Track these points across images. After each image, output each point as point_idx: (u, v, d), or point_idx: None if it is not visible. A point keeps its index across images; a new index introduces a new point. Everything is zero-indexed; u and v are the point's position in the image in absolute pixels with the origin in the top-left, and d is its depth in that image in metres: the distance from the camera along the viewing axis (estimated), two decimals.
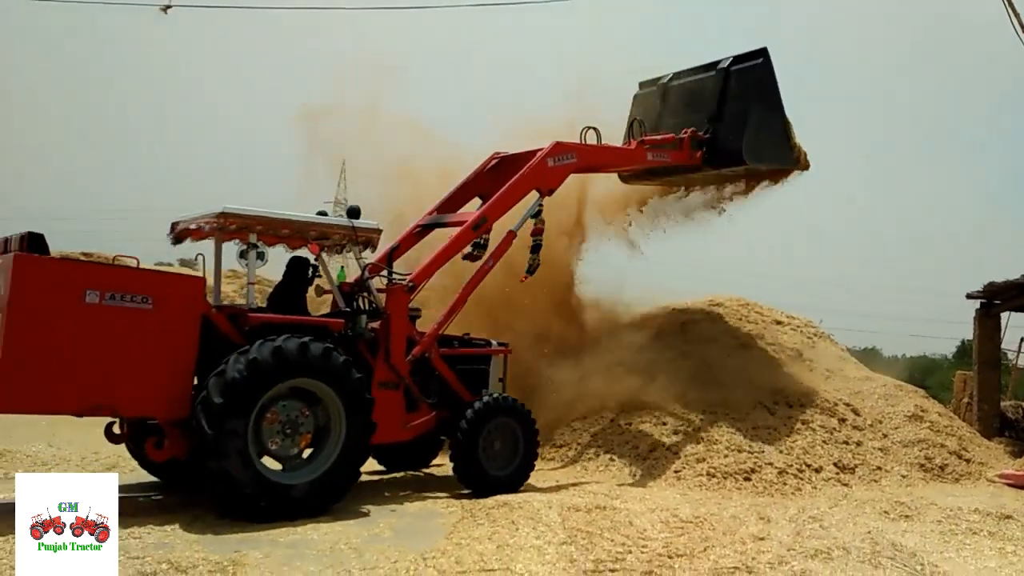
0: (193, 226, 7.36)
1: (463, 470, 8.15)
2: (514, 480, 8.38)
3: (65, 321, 6.13)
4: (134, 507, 6.91)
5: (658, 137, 10.86)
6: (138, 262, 6.75)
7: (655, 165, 10.82)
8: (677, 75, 11.77)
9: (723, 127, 10.78)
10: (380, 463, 9.27)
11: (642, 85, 12.23)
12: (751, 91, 10.81)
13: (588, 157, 9.84)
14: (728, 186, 12.08)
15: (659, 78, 11.99)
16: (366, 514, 7.02)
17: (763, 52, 10.93)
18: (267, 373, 6.63)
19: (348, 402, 7.05)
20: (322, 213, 7.94)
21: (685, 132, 10.79)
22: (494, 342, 9.28)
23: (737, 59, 11.07)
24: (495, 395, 8.60)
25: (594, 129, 10.05)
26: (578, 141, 9.91)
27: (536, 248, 9.22)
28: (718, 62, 11.20)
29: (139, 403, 6.59)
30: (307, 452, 7.14)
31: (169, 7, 12.36)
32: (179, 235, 7.66)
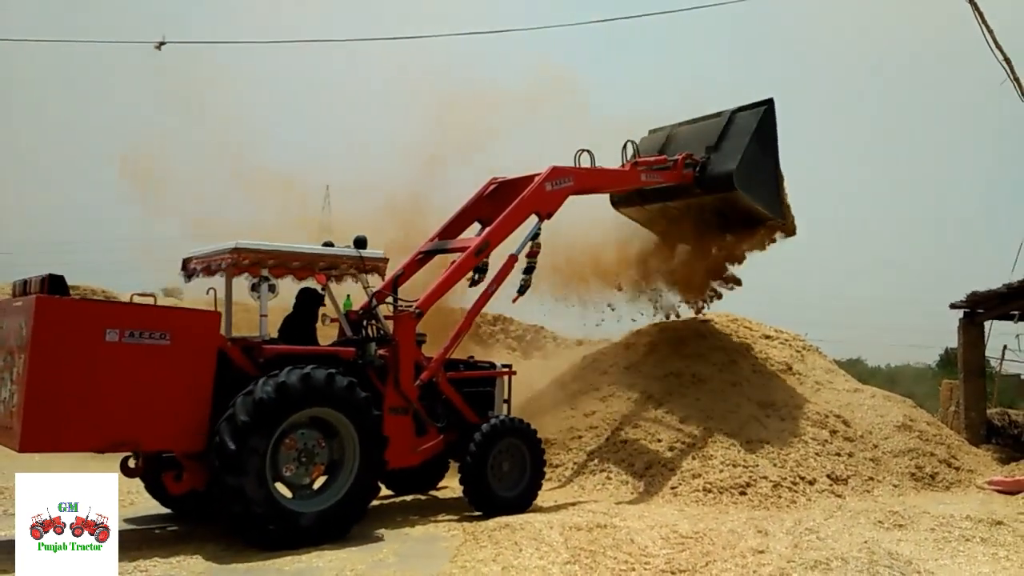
0: (206, 262, 7.52)
1: (473, 492, 8.27)
2: (522, 500, 8.50)
3: (86, 360, 6.25)
4: (138, 539, 6.97)
5: (651, 159, 11.14)
6: (155, 299, 6.90)
7: (648, 185, 11.01)
8: (684, 122, 12.19)
9: (718, 155, 11.11)
10: (388, 487, 9.35)
11: (651, 132, 12.58)
12: (751, 130, 11.18)
13: (584, 180, 10.03)
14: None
15: (667, 126, 12.37)
16: (369, 540, 7.07)
17: (768, 102, 11.40)
18: (294, 398, 6.80)
19: (364, 437, 7.19)
20: (328, 243, 8.05)
21: (679, 155, 11.09)
22: (498, 364, 9.45)
23: (742, 107, 11.52)
24: (502, 417, 8.75)
25: (588, 151, 10.25)
26: (573, 165, 10.10)
27: (530, 270, 9.37)
28: (725, 110, 11.64)
29: (159, 437, 6.71)
30: (318, 483, 7.23)
31: (163, 43, 12.51)
32: (192, 270, 7.80)
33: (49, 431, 6.15)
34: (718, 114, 11.68)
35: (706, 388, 11.49)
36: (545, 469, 9.17)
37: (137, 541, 6.86)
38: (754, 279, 13.33)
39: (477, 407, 8.79)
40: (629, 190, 11.48)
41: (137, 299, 6.88)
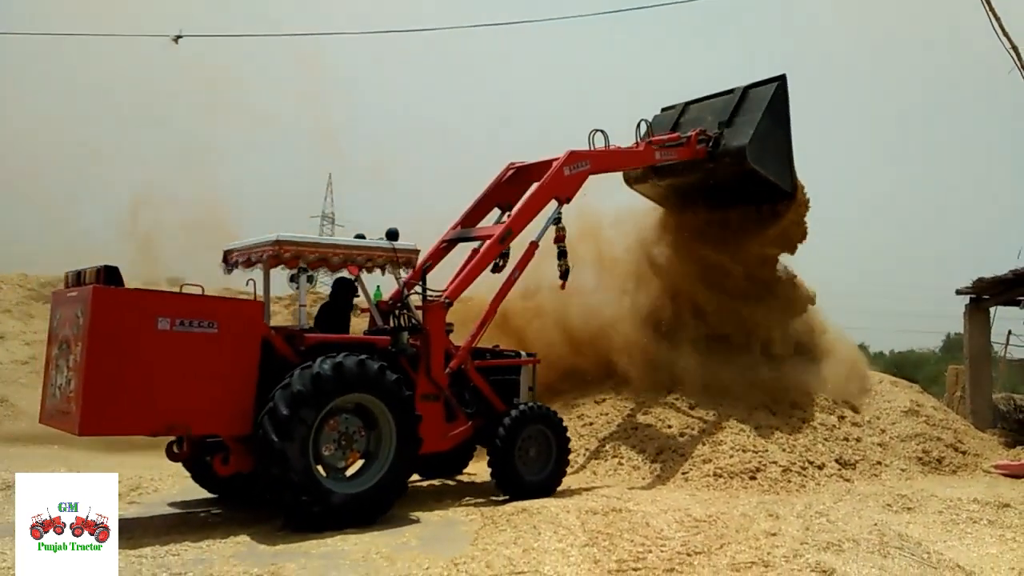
0: (247, 254, 7.76)
1: (501, 476, 8.53)
2: (549, 484, 8.76)
3: (139, 347, 6.50)
4: (167, 524, 7.18)
5: (665, 136, 11.23)
6: (203, 289, 7.10)
7: (663, 162, 11.09)
8: (697, 99, 12.25)
9: (731, 131, 11.22)
10: (416, 472, 9.48)
11: (663, 110, 12.63)
12: (764, 105, 11.28)
13: (601, 162, 10.17)
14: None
15: (680, 103, 12.41)
16: (391, 524, 7.23)
17: (781, 78, 11.54)
18: (347, 380, 7.11)
19: (401, 431, 7.46)
20: (360, 235, 8.26)
21: (693, 131, 11.20)
22: (523, 353, 9.65)
23: (755, 83, 11.62)
24: (529, 404, 8.97)
25: (601, 131, 10.35)
26: (587, 147, 10.20)
27: (562, 254, 9.55)
28: (738, 87, 11.72)
29: (208, 421, 6.97)
30: (351, 471, 7.47)
31: (180, 37, 12.61)
32: (232, 262, 8.04)
33: (106, 415, 6.40)
34: (731, 90, 11.75)
35: (715, 374, 11.61)
36: None
37: (166, 525, 7.09)
38: None
39: (503, 394, 9.02)
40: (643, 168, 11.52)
41: (186, 289, 7.11)
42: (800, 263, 12.98)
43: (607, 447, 10.54)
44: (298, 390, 6.85)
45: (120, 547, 5.90)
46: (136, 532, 6.66)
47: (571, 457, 10.45)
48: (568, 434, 9.15)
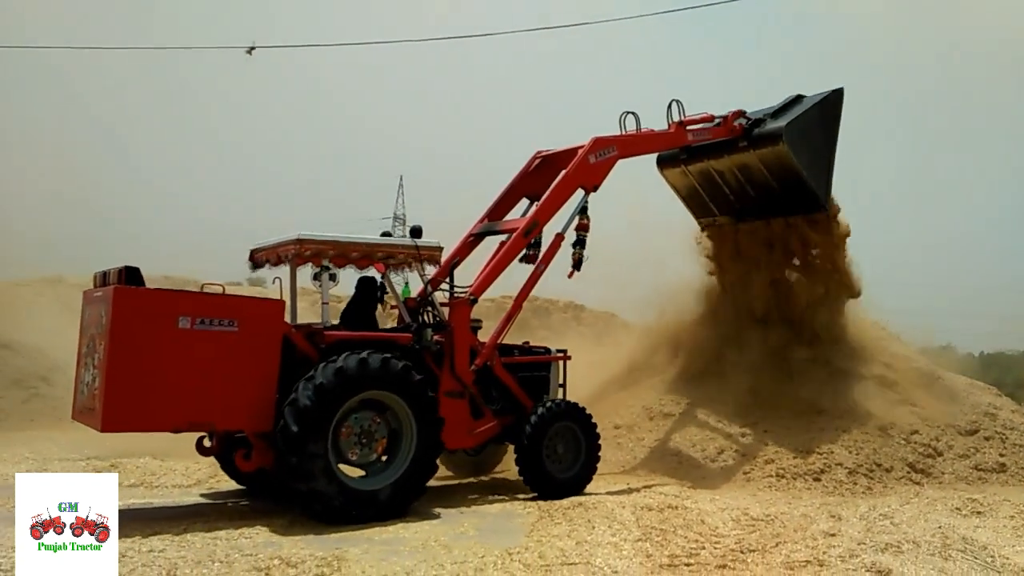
0: (272, 253, 7.93)
1: (529, 474, 8.46)
2: (578, 482, 8.66)
3: (161, 346, 6.68)
4: (240, 510, 7.55)
5: (697, 117, 10.88)
6: (223, 288, 7.28)
7: (696, 143, 10.82)
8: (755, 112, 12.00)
9: (772, 119, 10.92)
10: (449, 469, 9.64)
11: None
12: (813, 103, 11.07)
13: (629, 147, 9.90)
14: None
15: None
16: (449, 516, 7.40)
17: (838, 90, 11.32)
18: (371, 376, 7.17)
19: (422, 430, 7.47)
20: (386, 233, 8.42)
21: (730, 112, 10.92)
22: (553, 349, 9.57)
23: (814, 95, 11.38)
24: (555, 400, 8.91)
25: (633, 114, 10.03)
26: (619, 130, 9.95)
27: (580, 243, 9.31)
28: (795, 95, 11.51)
29: (230, 418, 7.10)
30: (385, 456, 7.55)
31: (254, 48, 13.07)
32: (258, 261, 8.25)
33: (128, 412, 6.60)
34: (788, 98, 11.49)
35: (781, 373, 11.44)
36: (615, 452, 9.30)
37: (231, 512, 7.42)
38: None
39: (532, 392, 8.95)
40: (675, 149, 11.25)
41: (207, 288, 7.28)
42: (878, 260, 12.52)
43: (667, 445, 10.53)
44: (321, 383, 6.93)
45: (196, 531, 6.44)
46: (212, 517, 7.10)
47: (632, 454, 10.55)
48: (597, 430, 8.96)
